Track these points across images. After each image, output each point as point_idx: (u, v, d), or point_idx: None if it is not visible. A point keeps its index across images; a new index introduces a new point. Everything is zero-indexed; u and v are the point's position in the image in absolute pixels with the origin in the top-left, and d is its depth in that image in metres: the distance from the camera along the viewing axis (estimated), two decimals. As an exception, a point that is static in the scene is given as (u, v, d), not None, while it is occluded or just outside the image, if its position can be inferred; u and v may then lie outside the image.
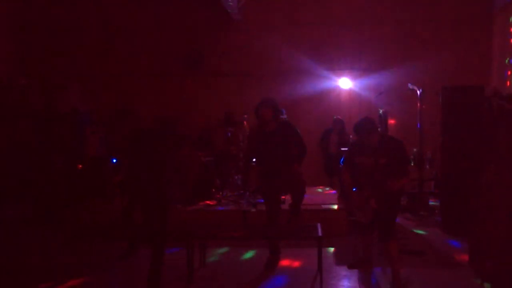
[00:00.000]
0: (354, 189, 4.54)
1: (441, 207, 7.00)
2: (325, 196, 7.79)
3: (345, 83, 10.00)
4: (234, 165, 7.66)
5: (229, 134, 8.03)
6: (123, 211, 5.54)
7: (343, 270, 4.88)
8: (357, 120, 4.54)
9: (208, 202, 7.09)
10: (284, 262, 5.12)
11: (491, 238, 2.91)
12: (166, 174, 4.67)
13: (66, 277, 4.85)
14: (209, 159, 7.56)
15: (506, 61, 8.51)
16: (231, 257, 5.49)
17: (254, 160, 6.37)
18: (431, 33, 9.78)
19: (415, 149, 7.78)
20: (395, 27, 9.81)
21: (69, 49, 10.27)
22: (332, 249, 5.62)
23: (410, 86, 7.66)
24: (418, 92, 7.52)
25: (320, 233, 4.45)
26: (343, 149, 6.90)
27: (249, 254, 5.56)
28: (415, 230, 6.70)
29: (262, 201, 5.46)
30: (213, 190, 7.46)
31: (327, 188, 8.61)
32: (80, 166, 7.85)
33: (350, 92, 10.06)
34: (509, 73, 8.53)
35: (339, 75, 10.02)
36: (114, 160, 5.96)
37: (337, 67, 10.07)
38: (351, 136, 7.77)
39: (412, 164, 7.41)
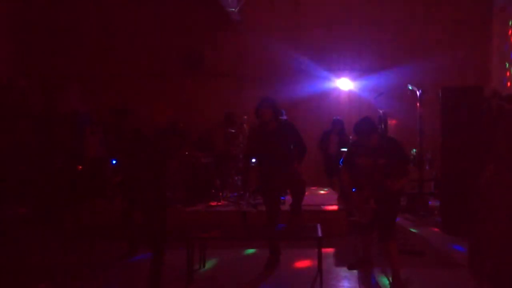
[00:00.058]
0: (353, 190, 4.54)
1: (441, 207, 7.02)
2: (325, 197, 7.79)
3: (344, 84, 10.01)
4: (234, 166, 7.66)
5: (229, 134, 8.02)
6: (123, 211, 5.54)
7: (343, 271, 4.88)
8: (357, 120, 4.54)
9: (208, 202, 7.09)
10: (284, 263, 5.12)
11: (491, 238, 2.92)
12: (166, 174, 4.68)
13: (66, 277, 4.85)
14: (209, 160, 7.56)
15: (506, 65, 8.51)
16: (231, 257, 5.49)
17: (254, 160, 6.37)
18: (431, 33, 9.79)
19: (415, 150, 7.79)
20: (395, 28, 9.81)
21: (69, 49, 10.26)
22: (332, 250, 5.62)
23: (409, 86, 7.67)
24: (418, 92, 7.52)
25: (320, 234, 4.45)
26: (342, 149, 6.90)
27: (249, 255, 5.57)
28: (415, 231, 6.70)
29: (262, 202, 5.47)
30: (213, 190, 7.46)
31: (326, 189, 8.62)
32: (80, 167, 7.85)
33: (349, 93, 10.07)
34: (508, 74, 8.54)
35: (339, 76, 10.03)
36: (114, 161, 5.97)
37: (337, 67, 10.07)
38: (350, 137, 7.78)
39: (412, 165, 7.42)
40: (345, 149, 5.51)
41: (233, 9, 9.33)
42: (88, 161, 7.97)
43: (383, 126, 7.55)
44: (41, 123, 8.43)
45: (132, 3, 10.31)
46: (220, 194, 7.44)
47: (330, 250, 5.55)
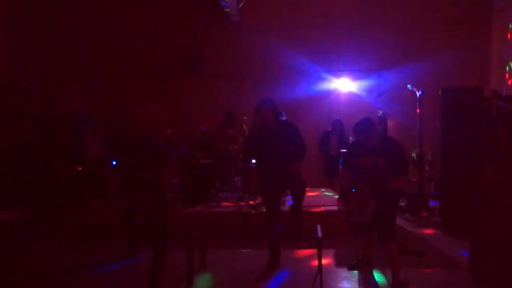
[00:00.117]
0: (353, 190, 4.55)
1: (441, 208, 7.02)
2: (325, 197, 7.79)
3: (344, 84, 10.01)
4: (234, 166, 7.67)
5: (229, 135, 8.02)
6: (123, 212, 5.54)
7: (343, 271, 4.88)
8: (357, 121, 4.55)
9: (208, 203, 7.09)
10: (284, 263, 5.12)
11: (491, 238, 2.91)
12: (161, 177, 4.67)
13: (66, 277, 4.85)
14: (208, 161, 7.56)
15: (507, 68, 8.51)
16: (231, 257, 5.49)
17: (254, 161, 6.37)
18: (430, 34, 9.79)
19: (414, 154, 7.79)
20: (394, 28, 9.81)
21: (69, 49, 10.26)
22: (332, 250, 5.62)
23: (409, 87, 7.67)
24: (418, 93, 7.52)
25: (320, 234, 4.45)
26: (342, 150, 6.91)
27: (249, 255, 5.57)
28: (415, 231, 6.70)
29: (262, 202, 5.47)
30: (213, 191, 7.46)
31: (326, 189, 8.62)
32: (80, 167, 7.85)
33: (349, 93, 10.07)
34: (506, 76, 8.54)
35: (339, 77, 10.03)
36: (114, 162, 5.95)
37: (337, 68, 10.08)
38: (350, 138, 7.78)
39: (411, 165, 7.42)
40: (345, 150, 5.52)
41: (233, 11, 9.33)
42: (88, 162, 7.96)
43: (383, 126, 7.56)
44: (41, 123, 8.43)
45: (132, 3, 10.31)
46: (220, 194, 7.44)
47: (330, 251, 5.55)
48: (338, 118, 9.13)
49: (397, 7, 9.88)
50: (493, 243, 2.92)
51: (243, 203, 6.84)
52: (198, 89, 10.15)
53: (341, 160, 4.77)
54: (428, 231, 6.69)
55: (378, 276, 4.73)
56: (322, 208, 6.68)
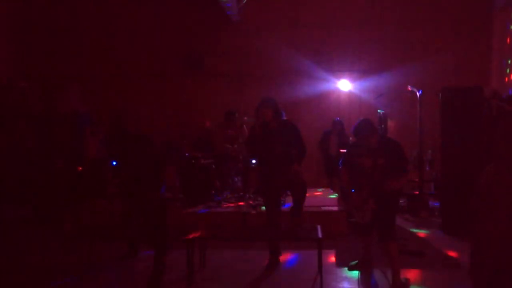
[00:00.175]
0: (352, 190, 4.55)
1: (441, 208, 7.02)
2: (325, 197, 7.79)
3: (344, 84, 10.01)
4: (234, 166, 7.66)
5: (229, 136, 8.02)
6: (123, 212, 5.54)
7: (343, 272, 4.88)
8: (357, 121, 4.55)
9: (208, 203, 7.09)
10: (284, 263, 5.12)
11: (491, 238, 2.91)
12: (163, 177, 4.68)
13: (66, 277, 4.85)
14: (209, 161, 7.56)
15: (507, 70, 8.50)
16: (231, 257, 5.49)
17: (254, 161, 6.37)
18: (431, 33, 9.80)
19: (415, 151, 7.79)
20: (395, 28, 9.82)
21: (69, 49, 10.27)
22: (332, 250, 5.62)
23: (409, 87, 7.67)
24: (418, 93, 7.52)
25: (320, 235, 4.45)
26: (342, 150, 6.91)
27: (249, 255, 5.56)
28: (415, 231, 6.70)
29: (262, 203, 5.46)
30: (213, 191, 7.46)
31: (326, 189, 8.62)
32: (80, 167, 7.85)
33: (349, 93, 10.07)
34: (506, 80, 8.54)
35: (339, 77, 10.03)
36: (114, 162, 5.97)
37: (337, 68, 10.08)
38: (350, 138, 7.78)
39: (411, 165, 7.42)
40: (345, 150, 5.52)
41: (233, 11, 9.33)
42: (88, 162, 7.96)
43: (383, 126, 7.57)
44: (41, 123, 8.43)
45: (132, 3, 10.32)
46: (220, 195, 7.44)
47: (330, 251, 5.54)
48: (338, 118, 9.14)
49: (397, 7, 9.88)
50: (493, 243, 2.92)
51: (243, 203, 6.84)
52: (198, 89, 10.15)
53: (341, 160, 4.77)
54: (428, 231, 6.69)
55: (378, 276, 4.73)
56: (322, 208, 6.68)
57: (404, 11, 9.87)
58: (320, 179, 9.19)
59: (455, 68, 9.38)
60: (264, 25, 10.05)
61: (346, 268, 4.93)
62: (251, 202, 6.83)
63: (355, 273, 4.79)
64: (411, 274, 4.63)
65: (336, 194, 7.83)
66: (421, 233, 6.61)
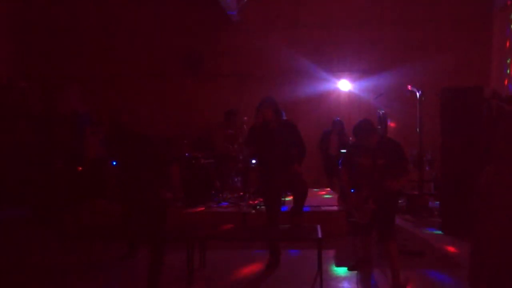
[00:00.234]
0: (352, 190, 4.55)
1: (441, 208, 7.02)
2: (325, 197, 7.79)
3: (344, 84, 10.00)
4: (234, 166, 7.66)
5: (229, 135, 8.02)
6: (123, 212, 5.54)
7: (343, 272, 4.88)
8: (356, 122, 4.55)
9: (208, 203, 7.09)
10: (284, 263, 5.12)
11: (491, 238, 2.92)
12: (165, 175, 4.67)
13: (66, 277, 4.85)
14: (209, 161, 7.56)
15: (508, 71, 8.49)
16: (231, 257, 5.49)
17: (254, 161, 6.36)
18: (431, 33, 9.79)
19: (415, 151, 7.79)
20: (395, 28, 9.81)
21: (69, 49, 10.27)
22: (332, 250, 5.62)
23: (409, 87, 7.67)
24: (418, 93, 7.52)
25: (320, 235, 4.45)
26: (342, 150, 6.91)
27: (249, 255, 5.56)
28: (415, 231, 6.70)
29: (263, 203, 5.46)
30: (213, 191, 7.46)
31: (326, 189, 8.62)
32: (80, 167, 7.85)
33: (349, 93, 10.06)
34: (505, 82, 8.53)
35: (339, 77, 10.03)
36: (114, 162, 5.99)
37: (337, 68, 10.08)
38: (350, 138, 7.78)
39: (411, 165, 7.42)
40: (345, 150, 5.52)
41: (233, 11, 9.33)
42: (88, 162, 7.96)
43: (383, 126, 7.56)
44: (41, 123, 8.44)
45: (132, 3, 10.31)
46: (220, 195, 7.44)
47: (330, 251, 5.55)
48: (338, 118, 9.14)
49: (397, 7, 9.87)
50: (493, 243, 2.92)
51: (243, 203, 6.85)
52: (198, 89, 10.15)
53: (340, 160, 4.77)
54: (428, 231, 6.69)
55: (378, 276, 4.73)
56: (322, 208, 6.68)
57: (404, 11, 9.87)
58: (320, 178, 9.18)
59: (455, 68, 9.37)
60: (264, 25, 10.05)
61: (346, 268, 4.94)
62: (251, 202, 6.83)
63: (355, 273, 4.80)
64: (411, 274, 4.64)
65: (330, 196, 7.83)
66: (421, 233, 6.62)
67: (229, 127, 8.09)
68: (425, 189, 7.95)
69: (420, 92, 7.52)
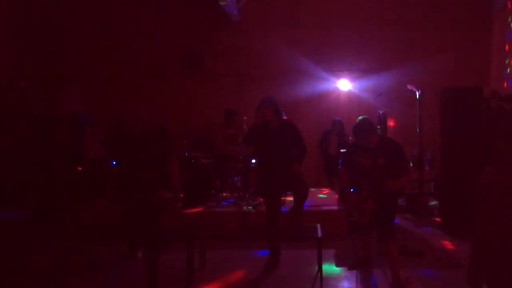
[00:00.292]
0: (351, 190, 4.55)
1: (441, 207, 7.02)
2: (324, 197, 7.79)
3: (344, 84, 10.01)
4: (234, 166, 7.66)
5: (229, 135, 8.01)
6: (123, 212, 5.53)
7: (343, 271, 4.88)
8: (356, 122, 4.55)
9: (207, 203, 7.09)
10: (284, 263, 5.12)
11: (491, 238, 2.91)
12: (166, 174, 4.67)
13: (66, 277, 4.85)
14: (208, 160, 7.56)
15: (508, 70, 8.49)
16: (231, 257, 5.49)
17: (253, 161, 6.36)
18: (431, 33, 9.79)
19: (415, 151, 7.79)
20: (394, 28, 9.82)
21: (69, 49, 10.27)
22: (332, 250, 5.62)
23: (409, 87, 7.67)
24: (418, 93, 7.52)
25: (320, 234, 4.45)
26: (342, 150, 6.91)
27: (249, 255, 5.56)
28: (415, 231, 6.70)
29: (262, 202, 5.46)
30: (213, 191, 7.46)
31: (326, 189, 8.62)
32: (80, 167, 7.85)
33: (349, 93, 10.07)
34: (505, 85, 8.53)
35: (338, 77, 10.03)
36: (114, 162, 5.99)
37: (336, 68, 10.08)
38: (350, 138, 7.78)
39: (411, 165, 7.42)
40: (345, 150, 5.52)
41: (233, 11, 9.33)
42: (88, 162, 7.96)
43: (382, 126, 7.56)
44: (41, 123, 8.43)
45: (132, 3, 10.32)
46: (220, 195, 7.44)
47: (330, 251, 5.55)
48: (338, 118, 9.13)
49: (397, 7, 9.88)
50: (493, 243, 2.92)
51: (243, 203, 6.84)
52: (198, 89, 10.15)
53: (340, 160, 4.77)
54: (428, 231, 6.69)
55: (378, 276, 4.73)
56: (322, 208, 6.68)
57: (404, 11, 9.87)
58: (320, 178, 9.18)
59: (455, 68, 9.37)
60: (264, 25, 10.05)
61: (346, 268, 4.94)
62: (251, 201, 6.83)
63: (355, 273, 4.80)
64: (411, 274, 4.64)
65: (335, 194, 7.84)
66: (421, 233, 6.61)
67: (229, 127, 8.08)
68: (425, 189, 7.95)
69: (420, 92, 7.52)
